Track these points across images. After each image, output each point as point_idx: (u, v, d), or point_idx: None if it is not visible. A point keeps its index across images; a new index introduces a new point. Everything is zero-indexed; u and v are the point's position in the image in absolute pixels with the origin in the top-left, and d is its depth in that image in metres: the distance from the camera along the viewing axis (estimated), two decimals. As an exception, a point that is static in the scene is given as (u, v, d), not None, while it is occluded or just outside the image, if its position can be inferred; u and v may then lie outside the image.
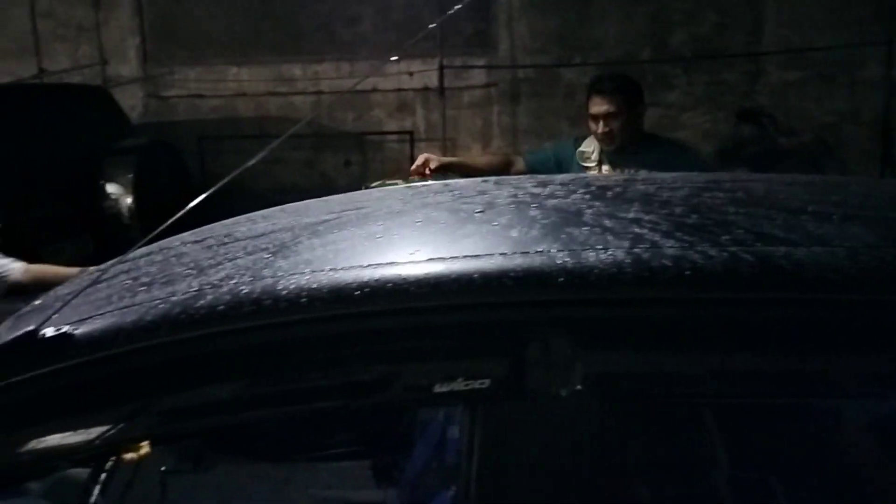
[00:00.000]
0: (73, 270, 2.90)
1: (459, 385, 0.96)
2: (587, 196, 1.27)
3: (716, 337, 0.94)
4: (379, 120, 6.98)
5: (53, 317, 1.09)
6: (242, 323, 0.99)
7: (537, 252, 0.99)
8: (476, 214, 1.21)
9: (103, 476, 1.58)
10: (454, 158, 3.41)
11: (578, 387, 0.91)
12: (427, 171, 2.96)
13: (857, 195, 1.35)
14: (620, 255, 0.96)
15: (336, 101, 6.62)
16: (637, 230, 1.04)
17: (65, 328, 1.06)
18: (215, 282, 1.06)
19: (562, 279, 0.94)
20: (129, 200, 5.29)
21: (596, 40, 6.56)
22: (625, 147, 2.97)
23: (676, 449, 0.97)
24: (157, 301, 1.05)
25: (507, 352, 0.95)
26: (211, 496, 1.41)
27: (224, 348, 1.01)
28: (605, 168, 3.00)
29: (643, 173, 2.40)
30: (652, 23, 6.53)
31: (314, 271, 1.02)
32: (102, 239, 5.28)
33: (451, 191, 1.45)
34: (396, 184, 2.69)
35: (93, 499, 1.32)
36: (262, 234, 1.29)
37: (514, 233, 1.08)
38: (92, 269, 2.83)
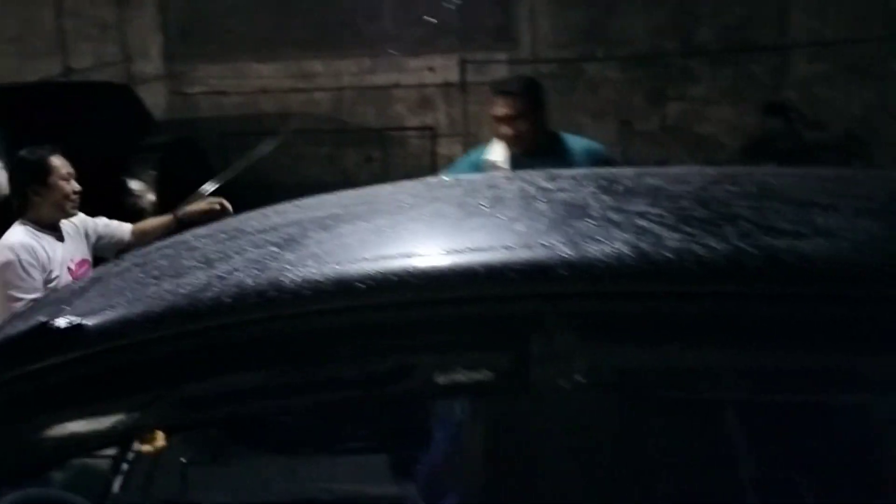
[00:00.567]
0: (166, 219, 3.15)
1: (464, 378, 0.96)
2: (595, 190, 1.27)
3: (720, 330, 0.93)
4: (400, 116, 6.99)
5: (76, 303, 1.10)
6: (254, 314, 1.00)
7: (542, 245, 0.99)
8: (483, 208, 1.21)
9: (124, 466, 1.61)
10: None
11: (582, 380, 0.91)
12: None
13: (871, 188, 1.32)
14: (625, 248, 0.95)
15: (357, 97, 6.64)
16: (643, 223, 1.03)
17: (83, 318, 1.07)
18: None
19: (566, 272, 0.94)
20: (152, 197, 5.35)
21: (619, 34, 6.51)
22: (531, 148, 2.93)
23: (680, 442, 0.96)
24: (168, 292, 1.07)
25: (511, 345, 0.95)
26: (207, 486, 1.42)
27: (227, 341, 1.02)
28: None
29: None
30: (677, 16, 6.46)
31: (321, 264, 1.03)
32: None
33: (461, 185, 1.46)
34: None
35: (114, 489, 1.33)
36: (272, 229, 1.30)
37: (520, 226, 1.08)
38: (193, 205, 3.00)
